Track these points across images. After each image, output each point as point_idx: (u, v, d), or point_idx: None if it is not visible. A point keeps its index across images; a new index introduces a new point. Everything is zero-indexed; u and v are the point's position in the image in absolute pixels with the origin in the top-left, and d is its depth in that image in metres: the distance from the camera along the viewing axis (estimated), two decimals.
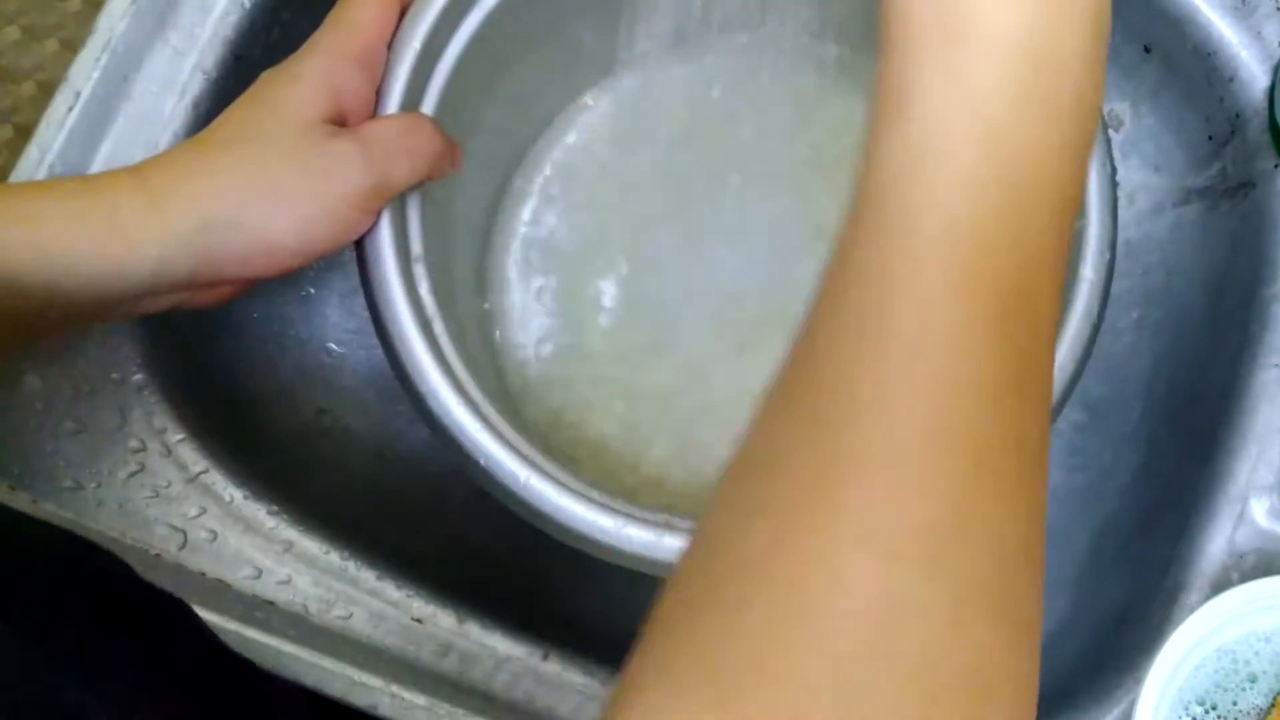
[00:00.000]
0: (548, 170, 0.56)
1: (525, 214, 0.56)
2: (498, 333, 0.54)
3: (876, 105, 0.23)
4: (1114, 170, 0.45)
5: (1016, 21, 0.22)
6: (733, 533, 0.22)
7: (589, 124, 0.56)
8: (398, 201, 0.43)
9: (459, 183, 0.48)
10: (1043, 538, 0.23)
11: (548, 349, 0.54)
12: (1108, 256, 0.44)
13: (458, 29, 0.46)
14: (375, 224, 0.42)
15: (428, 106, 0.45)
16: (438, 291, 0.43)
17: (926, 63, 0.23)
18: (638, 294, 0.54)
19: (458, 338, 0.43)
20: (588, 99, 0.56)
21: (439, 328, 0.43)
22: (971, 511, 0.21)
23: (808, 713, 0.19)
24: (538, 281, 0.55)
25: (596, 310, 0.54)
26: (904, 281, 0.22)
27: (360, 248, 0.42)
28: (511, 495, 0.40)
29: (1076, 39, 0.23)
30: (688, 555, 0.23)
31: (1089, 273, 0.44)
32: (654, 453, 0.52)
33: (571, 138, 0.56)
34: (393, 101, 0.43)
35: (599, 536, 0.40)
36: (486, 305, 0.55)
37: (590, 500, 0.40)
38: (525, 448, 0.41)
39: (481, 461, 0.40)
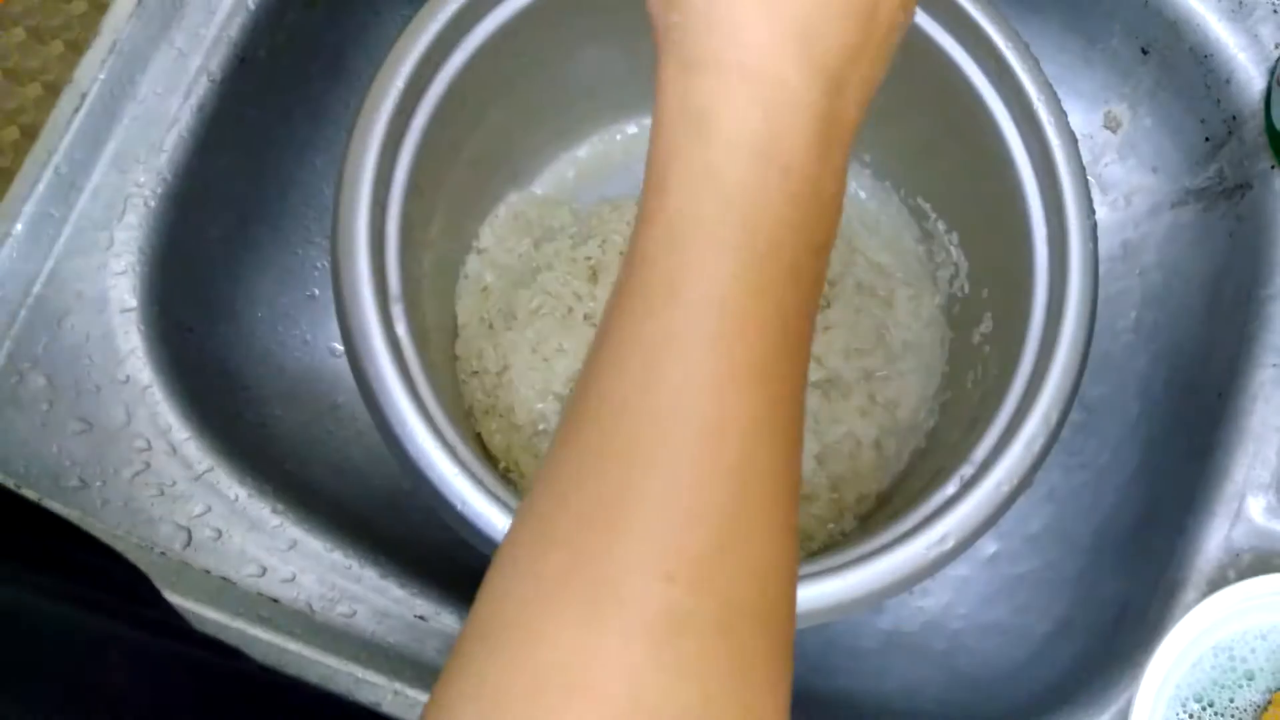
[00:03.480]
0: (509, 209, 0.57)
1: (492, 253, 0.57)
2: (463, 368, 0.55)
3: (644, 186, 0.27)
4: (1087, 188, 0.45)
5: (749, 127, 0.26)
6: (529, 564, 0.25)
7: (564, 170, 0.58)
8: (376, 240, 0.43)
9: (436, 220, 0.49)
10: (795, 552, 0.27)
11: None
12: (1091, 279, 0.45)
13: (441, 69, 0.47)
14: (354, 261, 0.42)
15: (409, 147, 0.46)
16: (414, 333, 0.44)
17: (680, 155, 0.27)
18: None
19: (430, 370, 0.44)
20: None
21: (415, 368, 0.43)
22: (734, 536, 0.25)
23: (608, 716, 0.23)
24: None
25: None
26: (671, 341, 0.25)
27: (338, 285, 0.43)
28: (492, 544, 0.41)
29: (802, 138, 0.27)
30: (486, 586, 0.26)
31: (1074, 291, 0.44)
32: None
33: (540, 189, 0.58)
34: (373, 142, 0.44)
35: None
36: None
37: None
38: (504, 495, 0.42)
39: (458, 506, 0.41)
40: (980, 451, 0.43)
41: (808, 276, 0.27)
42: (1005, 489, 0.42)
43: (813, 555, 0.43)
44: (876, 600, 0.41)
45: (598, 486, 0.25)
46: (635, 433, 0.25)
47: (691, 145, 0.27)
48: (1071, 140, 0.45)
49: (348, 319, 0.43)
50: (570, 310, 0.54)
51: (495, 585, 0.26)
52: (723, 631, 0.24)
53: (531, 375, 0.53)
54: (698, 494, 0.25)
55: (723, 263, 0.26)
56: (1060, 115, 0.45)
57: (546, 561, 0.25)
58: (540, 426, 0.52)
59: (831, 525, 0.53)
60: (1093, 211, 0.45)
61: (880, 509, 0.53)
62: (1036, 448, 0.42)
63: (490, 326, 0.54)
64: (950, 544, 0.41)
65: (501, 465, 0.52)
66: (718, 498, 0.25)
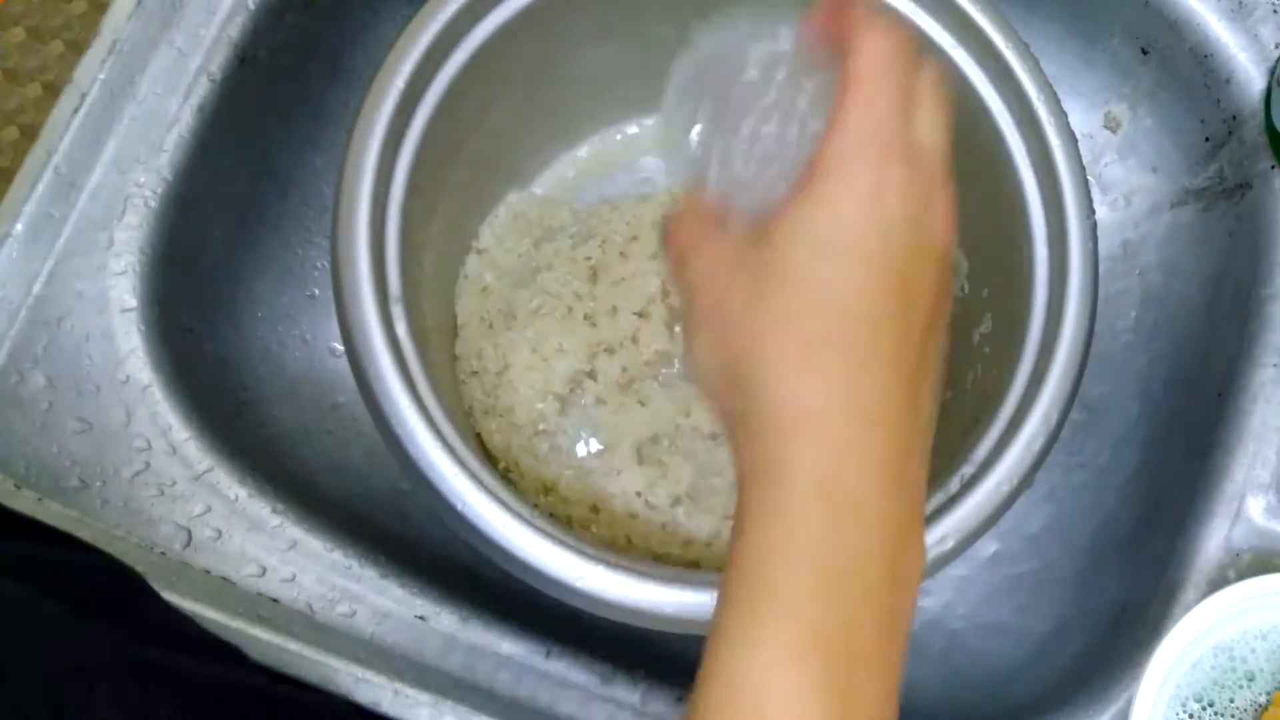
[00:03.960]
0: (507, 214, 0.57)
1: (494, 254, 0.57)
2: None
3: (734, 524, 0.31)
4: (1089, 194, 0.45)
5: (815, 471, 0.29)
6: None
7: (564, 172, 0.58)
8: (376, 240, 0.43)
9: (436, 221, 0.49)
10: None
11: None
12: (1092, 279, 0.45)
13: (441, 69, 0.47)
14: (354, 261, 0.43)
15: (409, 147, 0.46)
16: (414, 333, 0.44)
17: (758, 495, 0.30)
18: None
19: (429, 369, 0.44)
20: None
21: (415, 368, 0.43)
22: None
23: None
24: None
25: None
26: (753, 650, 0.29)
27: (338, 285, 0.43)
28: (492, 544, 0.41)
29: (869, 484, 0.30)
30: None
31: (1074, 291, 0.44)
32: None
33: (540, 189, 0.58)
34: (373, 142, 0.44)
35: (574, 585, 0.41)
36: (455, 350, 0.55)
37: (572, 548, 0.41)
38: (505, 495, 0.42)
39: (458, 506, 0.41)
40: (980, 451, 0.43)
41: (891, 611, 0.30)
42: (1005, 489, 0.42)
43: None
44: None
45: None
46: None
47: (766, 490, 0.30)
48: (1072, 140, 0.45)
49: (348, 319, 0.43)
50: (570, 310, 0.54)
51: None
52: None
53: (531, 375, 0.53)
54: None
55: (804, 607, 0.29)
56: (1060, 115, 0.45)
57: None
58: (540, 426, 0.52)
59: None
60: (1093, 211, 0.45)
61: None
62: (1037, 448, 0.42)
63: (490, 326, 0.54)
64: (950, 544, 0.41)
65: (501, 465, 0.52)
66: None
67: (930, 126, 0.32)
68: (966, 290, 0.54)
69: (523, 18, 0.48)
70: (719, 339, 0.32)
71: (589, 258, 0.55)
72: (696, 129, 0.34)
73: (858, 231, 0.30)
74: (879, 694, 0.29)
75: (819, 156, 0.30)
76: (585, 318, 0.54)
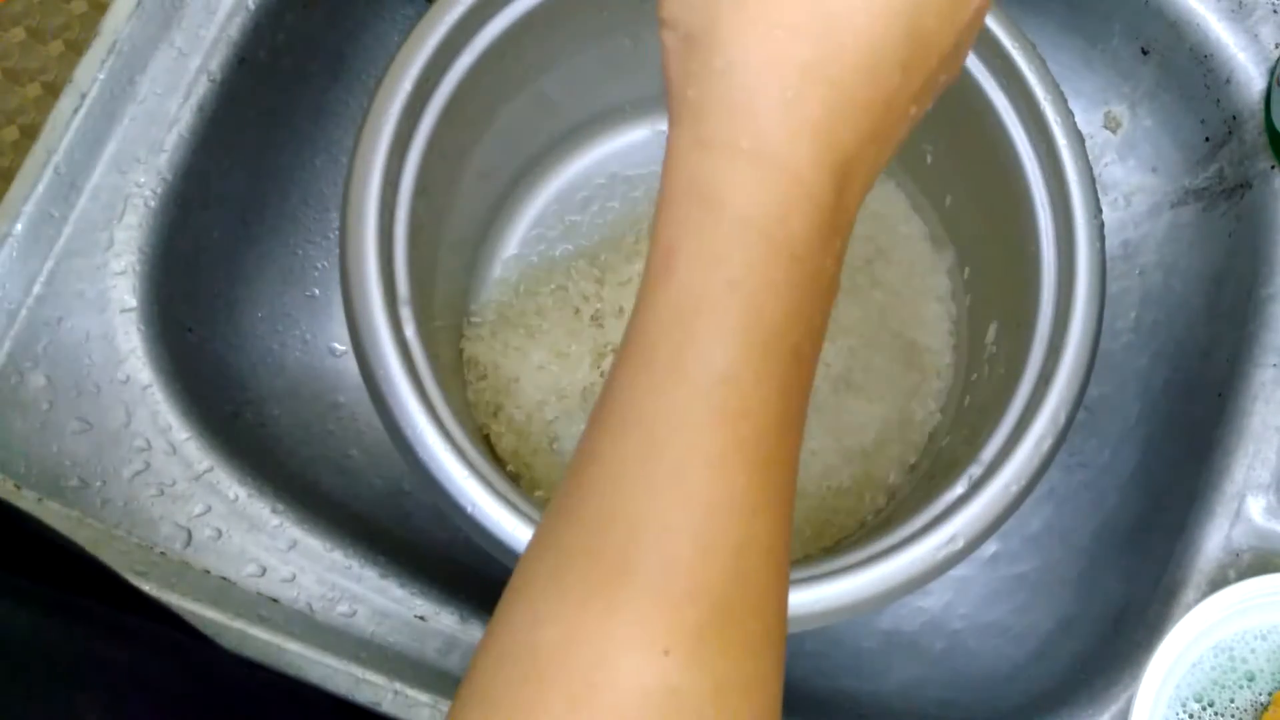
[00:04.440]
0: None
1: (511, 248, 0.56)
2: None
3: (649, 259, 0.28)
4: (1097, 200, 0.45)
5: (760, 213, 0.26)
6: (526, 635, 0.26)
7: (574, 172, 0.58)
8: (384, 242, 0.43)
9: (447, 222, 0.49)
10: (785, 626, 0.28)
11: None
12: (1099, 278, 0.45)
13: (448, 71, 0.47)
14: (362, 264, 0.43)
15: (416, 149, 0.46)
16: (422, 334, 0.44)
17: (688, 233, 0.27)
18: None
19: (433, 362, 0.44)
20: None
21: (424, 371, 0.43)
22: (730, 613, 0.26)
23: None
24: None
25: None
26: (671, 418, 0.26)
27: (346, 288, 0.43)
28: (501, 546, 0.41)
29: (810, 227, 0.27)
30: (482, 654, 0.26)
31: (1081, 291, 0.44)
32: None
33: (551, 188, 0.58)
34: (381, 145, 0.44)
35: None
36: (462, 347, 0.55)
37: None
38: (514, 497, 0.42)
39: (468, 509, 0.41)
40: (989, 452, 0.43)
41: (806, 358, 0.28)
42: (1014, 489, 0.42)
43: (822, 555, 0.43)
44: (886, 601, 0.41)
45: (595, 563, 0.26)
46: (633, 509, 0.26)
47: (700, 224, 0.27)
48: (1078, 140, 0.45)
49: (356, 322, 0.43)
50: (577, 311, 0.54)
51: (490, 655, 0.26)
52: (716, 707, 0.25)
53: (540, 377, 0.53)
54: (696, 570, 0.25)
55: (727, 344, 0.26)
56: (1067, 115, 0.45)
57: (542, 636, 0.25)
58: (549, 428, 0.52)
59: (835, 533, 0.53)
60: (1099, 211, 0.45)
61: (890, 509, 0.53)
62: (1045, 448, 0.42)
63: (498, 328, 0.55)
64: (960, 544, 0.41)
65: (510, 468, 0.52)
66: (716, 575, 0.25)
67: None
68: (975, 290, 0.55)
69: (529, 18, 0.47)
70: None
71: (598, 259, 0.55)
72: None
73: None
74: (794, 457, 0.28)
75: None
76: (593, 319, 0.54)
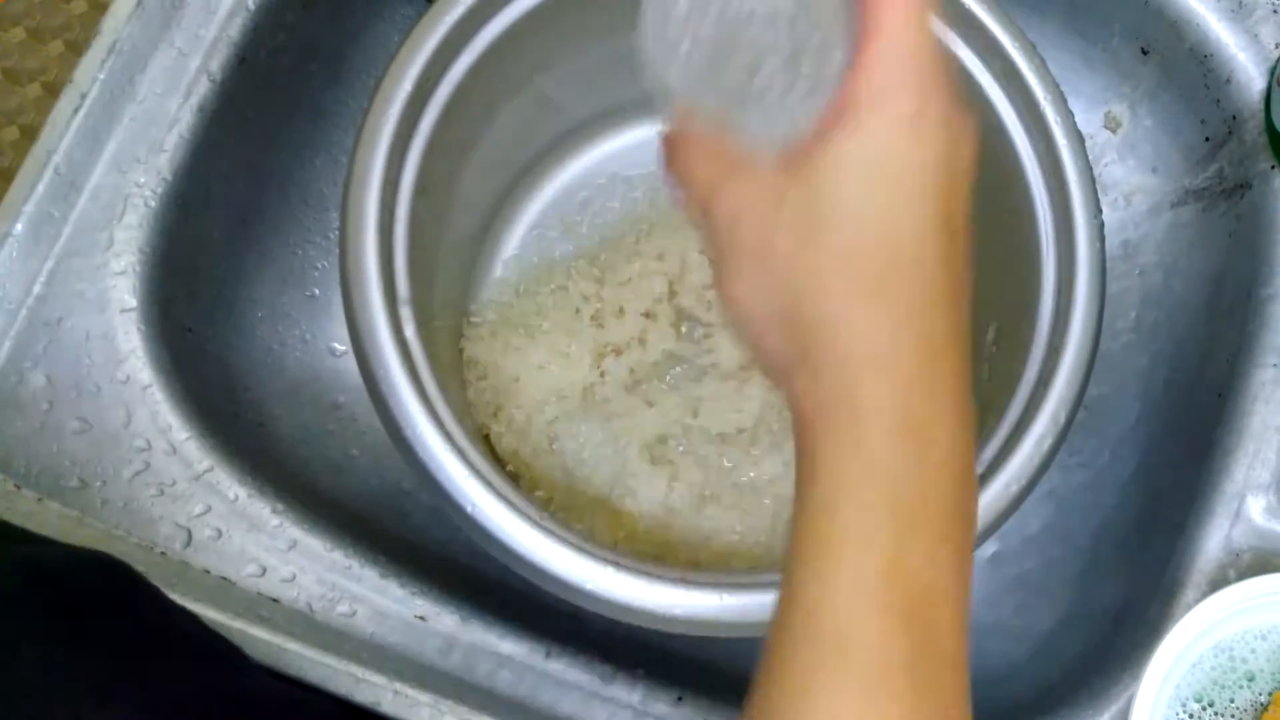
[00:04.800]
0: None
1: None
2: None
3: (798, 465, 0.30)
4: (1097, 202, 0.45)
5: (887, 404, 0.29)
6: None
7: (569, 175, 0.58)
8: (384, 242, 0.44)
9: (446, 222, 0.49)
10: None
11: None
12: (1099, 278, 0.45)
13: (448, 71, 0.47)
14: (362, 264, 0.43)
15: (416, 149, 0.46)
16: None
17: (828, 436, 0.29)
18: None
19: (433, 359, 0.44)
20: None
21: (424, 371, 0.43)
22: None
23: None
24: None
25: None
26: (834, 584, 0.28)
27: (346, 288, 0.43)
28: (501, 546, 0.42)
29: (939, 418, 0.29)
30: None
31: (1082, 291, 0.44)
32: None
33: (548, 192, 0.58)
34: (381, 144, 0.44)
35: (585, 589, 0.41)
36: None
37: (583, 551, 0.41)
38: (514, 497, 0.42)
39: (468, 509, 0.41)
40: (988, 451, 0.43)
41: (959, 540, 0.30)
42: (1014, 489, 0.42)
43: None
44: None
45: None
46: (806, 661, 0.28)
47: (839, 427, 0.29)
48: (1079, 141, 0.45)
49: (356, 322, 0.43)
50: (577, 311, 0.54)
51: None
52: None
53: (540, 377, 0.53)
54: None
55: (878, 543, 0.28)
56: (1067, 115, 0.45)
57: None
58: (548, 428, 0.52)
59: None
60: (1099, 211, 0.45)
61: None
62: (1045, 448, 0.42)
63: (499, 328, 0.55)
64: None
65: (509, 468, 0.52)
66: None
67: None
68: (974, 290, 0.55)
69: (529, 18, 0.48)
70: (768, 278, 0.30)
71: (596, 259, 0.55)
72: (684, 45, 0.31)
73: (907, 162, 0.29)
74: (956, 628, 0.29)
75: (860, 81, 0.29)
76: (593, 319, 0.54)
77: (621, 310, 0.53)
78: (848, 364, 0.29)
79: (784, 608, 0.29)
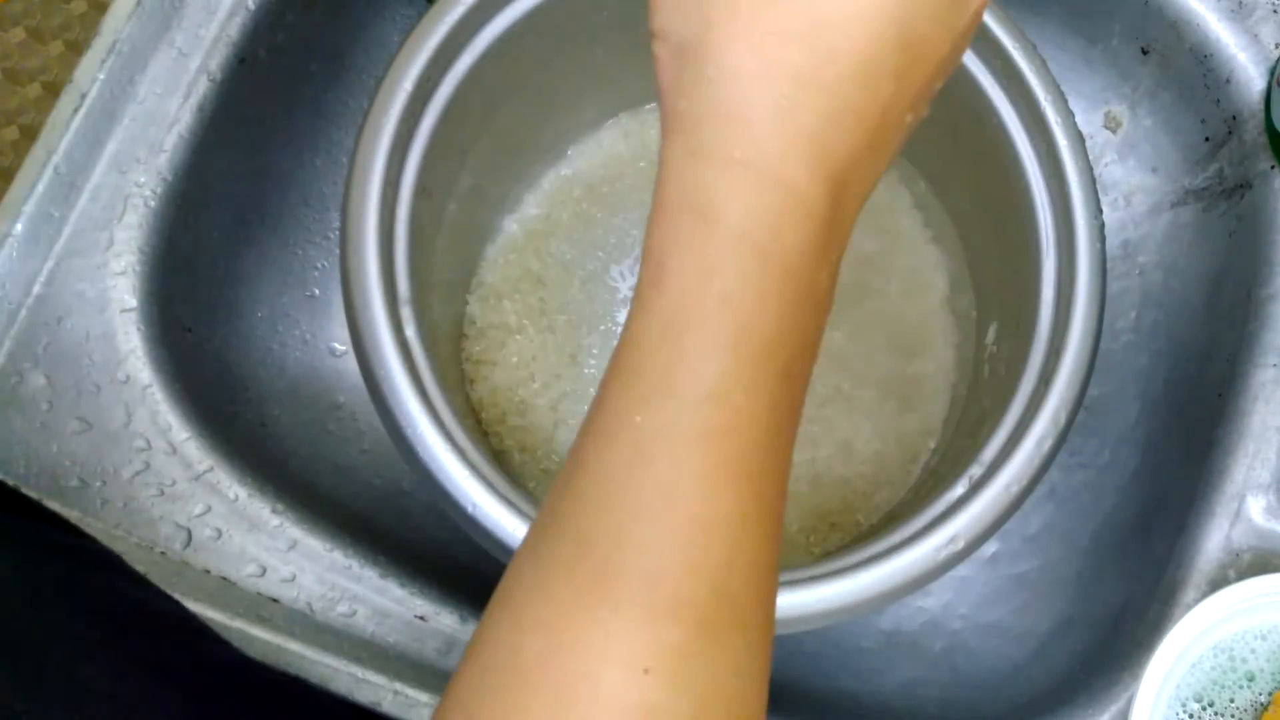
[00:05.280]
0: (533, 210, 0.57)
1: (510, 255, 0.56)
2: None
3: (641, 270, 0.27)
4: (1098, 201, 0.45)
5: (753, 226, 0.26)
6: (510, 643, 0.26)
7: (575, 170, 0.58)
8: (385, 243, 0.43)
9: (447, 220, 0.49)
10: (770, 648, 0.27)
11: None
12: (1099, 278, 0.45)
13: (449, 71, 0.47)
14: (363, 264, 0.43)
15: (417, 149, 0.46)
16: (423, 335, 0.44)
17: (680, 246, 0.27)
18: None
19: (434, 359, 0.44)
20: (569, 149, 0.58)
21: (425, 371, 0.43)
22: (714, 632, 0.25)
23: None
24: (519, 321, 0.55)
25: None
26: (660, 434, 0.26)
27: (347, 288, 0.43)
28: (502, 546, 0.41)
29: (804, 241, 0.26)
30: (466, 663, 0.26)
31: (1082, 291, 0.44)
32: None
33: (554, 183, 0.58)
34: (382, 145, 0.44)
35: None
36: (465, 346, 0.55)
37: None
38: (515, 497, 0.42)
39: (468, 509, 0.41)
40: (989, 452, 0.43)
41: (798, 374, 0.27)
42: (1015, 489, 0.42)
43: (823, 557, 0.43)
44: (886, 602, 0.41)
45: (580, 575, 0.25)
46: (620, 523, 0.25)
47: (692, 237, 0.26)
48: (1078, 140, 0.45)
49: (356, 322, 0.43)
50: (579, 310, 0.54)
51: (474, 663, 0.26)
52: None
53: (542, 376, 0.53)
54: (680, 587, 0.25)
55: (717, 359, 0.26)
56: (1068, 115, 0.45)
57: (525, 646, 0.25)
58: (551, 428, 0.52)
59: (838, 535, 0.53)
60: (1100, 211, 0.45)
61: (890, 510, 0.53)
62: (1045, 448, 0.42)
63: (500, 329, 0.55)
64: (960, 545, 0.41)
65: (509, 467, 0.52)
66: (700, 592, 0.25)
67: None
68: (975, 291, 0.55)
69: (530, 18, 0.47)
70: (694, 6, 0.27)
71: (597, 258, 0.55)
72: None
73: None
74: (784, 472, 0.27)
75: None
76: (594, 318, 0.54)
77: (623, 309, 0.53)
78: (725, 152, 0.26)
79: (597, 442, 0.27)
